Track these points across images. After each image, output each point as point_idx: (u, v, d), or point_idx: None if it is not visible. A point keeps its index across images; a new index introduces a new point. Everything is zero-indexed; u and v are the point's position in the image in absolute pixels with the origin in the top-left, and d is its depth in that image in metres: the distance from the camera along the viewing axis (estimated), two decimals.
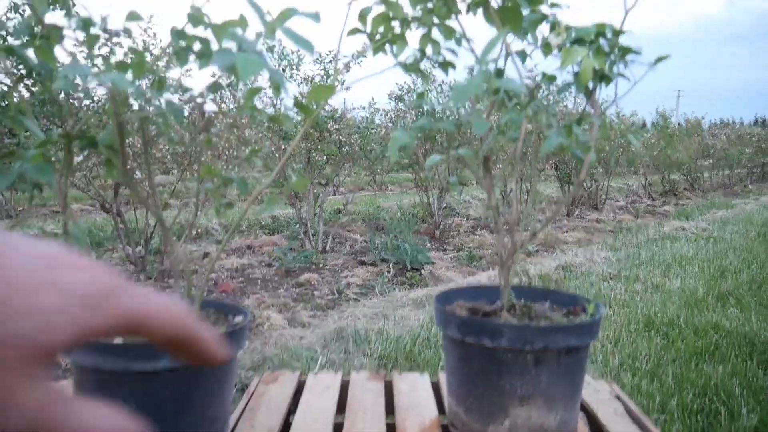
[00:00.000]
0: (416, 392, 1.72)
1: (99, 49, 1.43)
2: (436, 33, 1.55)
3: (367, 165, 7.21)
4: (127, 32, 1.50)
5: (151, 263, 4.55)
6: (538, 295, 1.67)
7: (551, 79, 1.49)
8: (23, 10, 3.58)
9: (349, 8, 1.53)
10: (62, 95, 2.46)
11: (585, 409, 1.66)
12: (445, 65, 1.39)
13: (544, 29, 1.58)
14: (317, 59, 5.73)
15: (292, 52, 5.58)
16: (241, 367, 2.74)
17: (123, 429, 0.29)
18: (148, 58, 1.37)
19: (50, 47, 1.12)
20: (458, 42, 1.59)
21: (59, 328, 0.27)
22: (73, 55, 1.06)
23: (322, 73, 5.72)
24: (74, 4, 1.27)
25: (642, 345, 3.05)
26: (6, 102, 1.25)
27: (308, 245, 5.77)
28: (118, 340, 1.30)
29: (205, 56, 1.11)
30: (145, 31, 4.51)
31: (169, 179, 6.06)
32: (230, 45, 0.92)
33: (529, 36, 1.61)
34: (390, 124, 6.68)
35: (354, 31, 1.55)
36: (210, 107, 1.43)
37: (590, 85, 1.38)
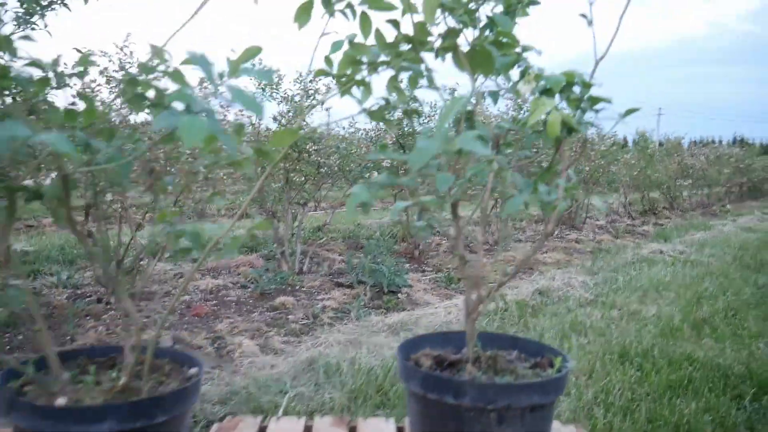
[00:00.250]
0: None
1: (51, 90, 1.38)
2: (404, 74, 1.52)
3: (348, 184, 7.16)
4: (81, 75, 1.45)
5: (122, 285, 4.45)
6: (506, 342, 1.64)
7: (522, 125, 1.46)
8: None
9: (318, 44, 1.50)
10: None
11: None
12: (409, 113, 1.36)
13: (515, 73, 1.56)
14: (297, 78, 5.71)
15: (273, 71, 5.53)
16: (208, 401, 2.67)
17: None
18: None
19: None
20: (431, 82, 1.56)
21: None
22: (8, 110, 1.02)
23: (302, 92, 5.69)
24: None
25: (616, 377, 3.03)
26: None
27: (285, 266, 5.70)
28: (61, 402, 1.24)
29: (159, 107, 1.06)
30: (121, 49, 4.45)
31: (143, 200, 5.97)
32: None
33: (501, 78, 1.58)
34: (371, 144, 6.65)
35: (320, 73, 1.52)
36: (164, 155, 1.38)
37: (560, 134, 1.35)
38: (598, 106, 1.37)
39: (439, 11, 1.40)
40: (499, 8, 1.52)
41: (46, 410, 1.04)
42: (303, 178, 5.55)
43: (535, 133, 1.35)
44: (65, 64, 4.20)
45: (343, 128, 6.83)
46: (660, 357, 3.34)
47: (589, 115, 1.37)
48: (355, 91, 1.46)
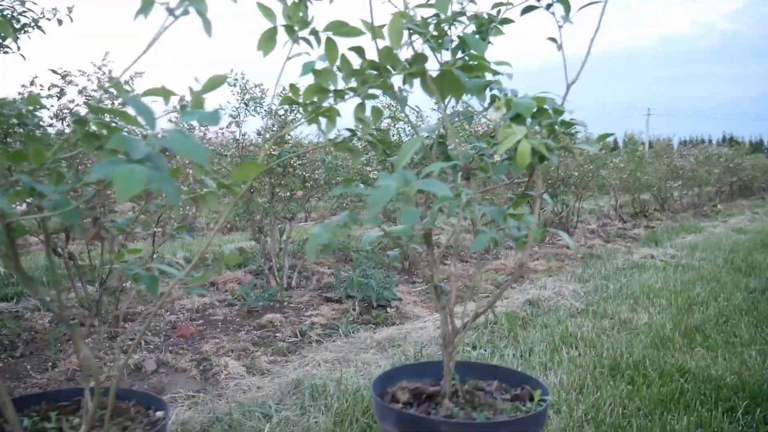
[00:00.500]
0: None
1: None
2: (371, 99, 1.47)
3: (334, 197, 7.11)
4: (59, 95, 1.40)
5: (105, 307, 4.38)
6: (487, 372, 1.59)
7: (493, 151, 1.41)
8: None
9: (283, 70, 1.45)
10: None
11: None
12: (375, 144, 1.31)
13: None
14: (281, 92, 5.65)
15: (255, 86, 5.48)
16: (189, 430, 2.61)
17: None
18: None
19: None
20: (403, 104, 1.51)
21: None
22: None
23: (287, 107, 5.64)
24: None
25: (607, 392, 2.98)
26: None
27: (273, 281, 5.64)
28: None
29: (109, 150, 1.01)
30: (99, 68, 4.39)
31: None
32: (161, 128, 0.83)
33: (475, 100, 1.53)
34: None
35: (287, 101, 1.47)
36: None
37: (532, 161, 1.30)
38: (572, 129, 1.33)
39: (407, 35, 1.36)
40: (471, 28, 1.48)
41: None
42: (288, 193, 5.49)
43: (506, 161, 1.30)
44: (41, 85, 4.11)
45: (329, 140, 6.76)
46: (651, 369, 3.30)
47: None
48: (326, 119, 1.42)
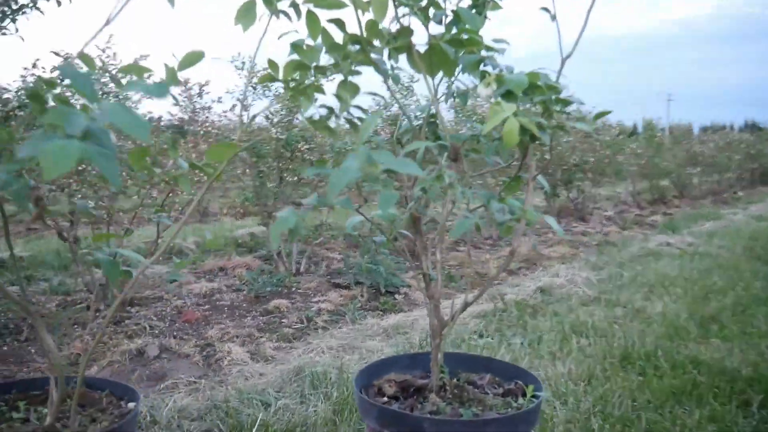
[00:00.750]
0: None
1: None
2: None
3: None
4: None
5: (111, 291, 4.35)
6: (480, 365, 1.51)
7: (487, 137, 1.32)
8: None
9: (260, 45, 1.38)
10: None
11: None
12: (354, 124, 1.23)
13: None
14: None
15: (264, 69, 5.40)
16: (186, 417, 2.56)
17: None
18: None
19: None
20: (396, 81, 1.42)
21: None
22: None
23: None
24: None
25: (616, 384, 2.89)
26: None
27: (282, 267, 5.59)
28: None
29: (58, 127, 0.93)
30: (103, 51, 4.33)
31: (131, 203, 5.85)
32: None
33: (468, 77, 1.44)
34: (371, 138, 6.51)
35: (266, 79, 1.39)
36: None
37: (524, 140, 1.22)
38: (568, 108, 1.24)
39: (393, 7, 1.27)
40: (467, 2, 1.39)
41: None
42: (296, 178, 5.43)
43: (495, 141, 1.21)
44: (43, 68, 4.06)
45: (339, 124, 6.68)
46: (664, 360, 3.20)
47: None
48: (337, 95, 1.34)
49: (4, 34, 3.12)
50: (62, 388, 1.17)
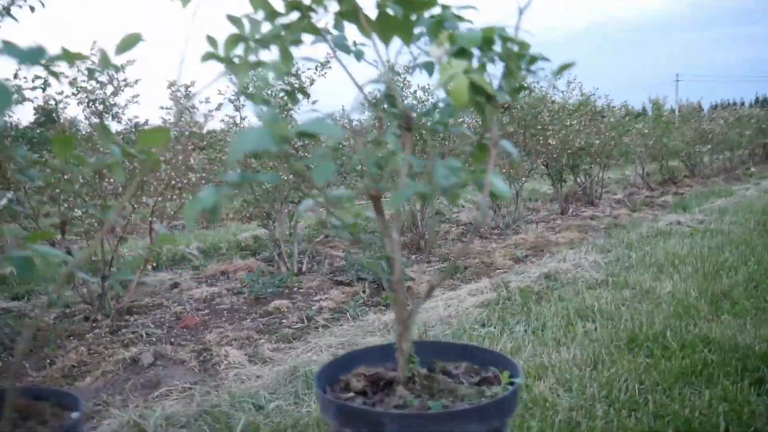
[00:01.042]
0: None
1: None
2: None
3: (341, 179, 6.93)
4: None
5: (108, 301, 4.29)
6: (456, 353, 1.40)
7: (454, 112, 1.21)
8: None
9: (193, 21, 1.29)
10: None
11: None
12: (292, 94, 1.13)
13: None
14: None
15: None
16: (174, 425, 2.48)
17: None
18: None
19: None
20: (359, 57, 1.33)
21: None
22: None
23: (297, 83, 5.47)
24: None
25: (623, 367, 2.77)
26: None
27: (283, 268, 5.51)
28: None
29: None
30: (88, 58, 4.25)
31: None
32: None
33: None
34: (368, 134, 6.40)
35: (208, 56, 1.29)
36: None
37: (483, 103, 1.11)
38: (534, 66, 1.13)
39: None
40: None
41: None
42: (293, 176, 5.33)
43: (439, 108, 1.11)
44: (25, 78, 3.98)
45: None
46: (673, 340, 3.08)
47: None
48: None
49: None
50: (10, 399, 1.09)
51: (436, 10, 1.20)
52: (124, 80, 4.36)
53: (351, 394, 1.23)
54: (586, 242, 6.34)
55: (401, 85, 6.40)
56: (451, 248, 6.55)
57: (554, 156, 8.44)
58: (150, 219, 4.02)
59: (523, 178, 8.00)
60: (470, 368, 1.34)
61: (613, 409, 2.36)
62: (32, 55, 0.71)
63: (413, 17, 1.19)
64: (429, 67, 1.44)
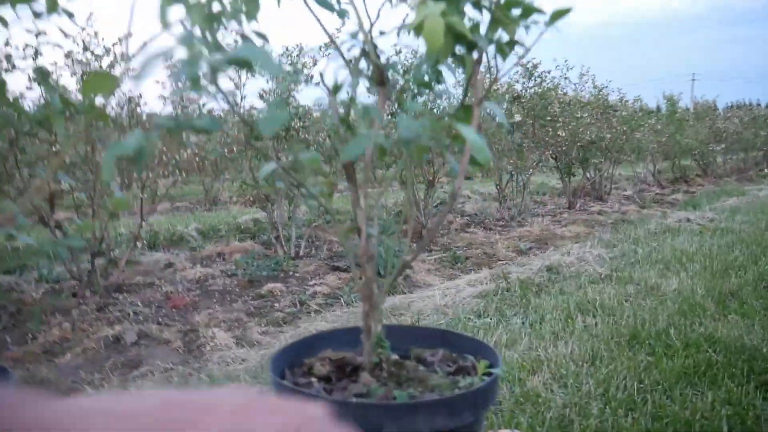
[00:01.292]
0: None
1: None
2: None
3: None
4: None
5: (97, 278, 4.18)
6: (434, 339, 1.27)
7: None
8: None
9: None
10: None
11: None
12: (238, 62, 1.00)
13: None
14: (285, 53, 5.35)
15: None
16: None
17: None
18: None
19: None
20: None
21: None
22: None
23: (291, 67, 5.33)
24: None
25: (622, 364, 2.64)
26: None
27: (280, 251, 5.40)
28: None
29: None
30: (83, 29, 4.14)
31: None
32: None
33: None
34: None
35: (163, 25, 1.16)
36: None
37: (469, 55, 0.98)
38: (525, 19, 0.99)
39: None
40: None
41: None
42: (292, 158, 5.20)
43: (417, 65, 0.97)
44: (17, 47, 3.87)
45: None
46: (676, 338, 2.94)
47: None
48: None
49: None
50: None
51: None
52: (121, 54, 4.24)
53: (312, 380, 1.10)
54: (592, 237, 6.18)
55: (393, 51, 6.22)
56: (453, 238, 6.41)
57: (563, 149, 8.27)
58: (141, 196, 3.90)
59: (531, 170, 7.83)
60: (448, 356, 1.21)
61: (609, 408, 2.23)
62: None
63: None
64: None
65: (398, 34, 1.28)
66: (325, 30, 1.13)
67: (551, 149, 8.14)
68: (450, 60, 1.01)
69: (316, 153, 1.02)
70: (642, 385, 2.44)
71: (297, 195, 5.80)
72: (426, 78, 0.99)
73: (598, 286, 4.00)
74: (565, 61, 8.01)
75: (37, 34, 3.74)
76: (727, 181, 12.99)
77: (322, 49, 5.32)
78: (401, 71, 1.06)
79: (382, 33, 1.10)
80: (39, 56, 3.73)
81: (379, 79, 0.97)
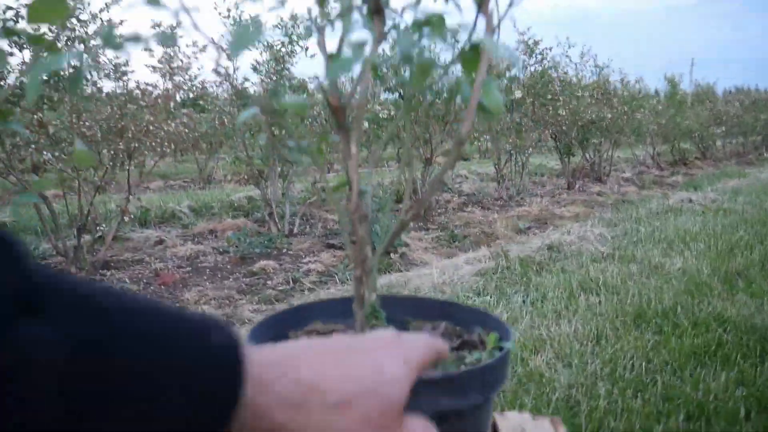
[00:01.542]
0: None
1: None
2: None
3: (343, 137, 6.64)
4: None
5: (83, 254, 4.05)
6: (435, 311, 1.14)
7: None
8: None
9: None
10: None
11: None
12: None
13: None
14: (279, 24, 5.17)
15: (250, 17, 5.01)
16: None
17: None
18: None
19: None
20: None
21: (406, 387, 0.44)
22: None
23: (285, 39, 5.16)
24: None
25: (628, 343, 2.52)
26: None
27: (274, 228, 5.27)
28: None
29: None
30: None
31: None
32: None
33: None
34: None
35: None
36: None
37: None
38: None
39: None
40: None
41: None
42: (284, 132, 5.06)
43: None
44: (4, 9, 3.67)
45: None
46: (684, 317, 2.82)
47: None
48: None
49: None
50: None
51: None
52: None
53: None
54: (592, 216, 6.07)
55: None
56: (451, 217, 6.28)
57: (563, 128, 8.13)
58: (128, 167, 3.76)
59: (530, 149, 7.69)
60: (450, 329, 1.07)
61: (616, 389, 2.12)
62: None
63: None
64: None
65: None
66: None
67: (551, 128, 8.00)
68: None
69: (303, 98, 0.89)
70: (650, 365, 2.33)
71: (290, 172, 5.66)
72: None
73: (601, 265, 3.88)
74: (567, 38, 7.86)
75: None
76: (727, 164, 12.87)
77: None
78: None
79: None
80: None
81: (375, 6, 0.83)
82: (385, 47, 0.87)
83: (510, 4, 0.79)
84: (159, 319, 0.36)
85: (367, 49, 0.81)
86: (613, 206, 6.82)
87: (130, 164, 3.80)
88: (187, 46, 4.59)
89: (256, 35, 0.66)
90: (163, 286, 3.84)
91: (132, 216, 4.31)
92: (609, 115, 8.70)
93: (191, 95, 4.89)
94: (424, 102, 5.84)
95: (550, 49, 7.36)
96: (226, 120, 4.84)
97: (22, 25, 3.77)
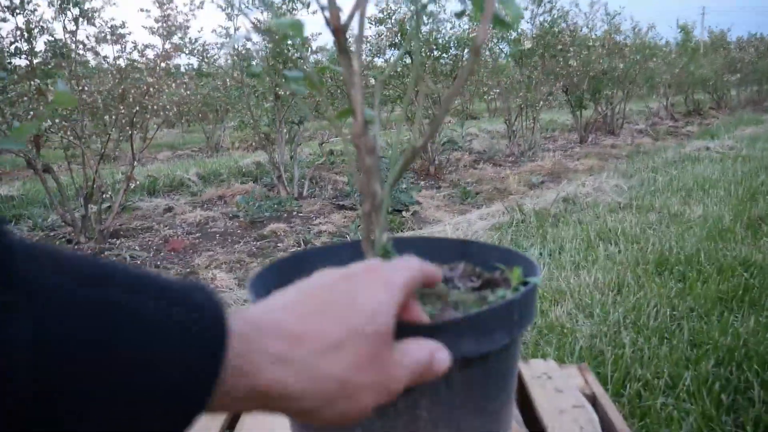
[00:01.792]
0: None
1: None
2: None
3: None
4: None
5: (92, 223, 4.00)
6: (453, 251, 1.06)
7: None
8: None
9: None
10: None
11: (534, 424, 1.07)
12: None
13: None
14: None
15: None
16: None
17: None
18: None
19: None
20: None
21: (391, 312, 0.41)
22: None
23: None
24: None
25: (651, 291, 2.44)
26: None
27: (283, 191, 5.19)
28: None
29: None
30: None
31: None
32: None
33: None
34: (370, 53, 5.97)
35: None
36: None
37: None
38: None
39: None
40: None
41: None
42: (289, 93, 4.94)
43: None
44: None
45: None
46: (708, 263, 2.73)
47: None
48: None
49: None
50: None
51: None
52: None
53: None
54: (607, 168, 5.94)
55: None
56: (462, 175, 6.18)
57: (574, 80, 7.93)
58: (131, 132, 3.67)
59: (541, 103, 7.52)
60: (470, 270, 0.98)
61: (641, 337, 2.04)
62: None
63: None
64: None
65: None
66: None
67: (562, 81, 7.81)
68: None
69: (299, 20, 0.80)
70: (675, 312, 2.25)
71: (297, 135, 5.56)
72: None
73: (618, 215, 3.78)
74: None
75: None
76: (742, 113, 12.59)
77: None
78: None
79: None
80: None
81: None
82: None
83: None
84: (135, 298, 0.32)
85: None
86: (627, 157, 6.68)
87: (133, 130, 3.71)
88: (184, 4, 4.43)
89: None
90: (173, 252, 3.79)
91: (137, 182, 4.23)
92: (621, 66, 8.49)
93: (194, 62, 4.79)
94: (431, 58, 5.69)
95: None
96: (229, 81, 4.72)
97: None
